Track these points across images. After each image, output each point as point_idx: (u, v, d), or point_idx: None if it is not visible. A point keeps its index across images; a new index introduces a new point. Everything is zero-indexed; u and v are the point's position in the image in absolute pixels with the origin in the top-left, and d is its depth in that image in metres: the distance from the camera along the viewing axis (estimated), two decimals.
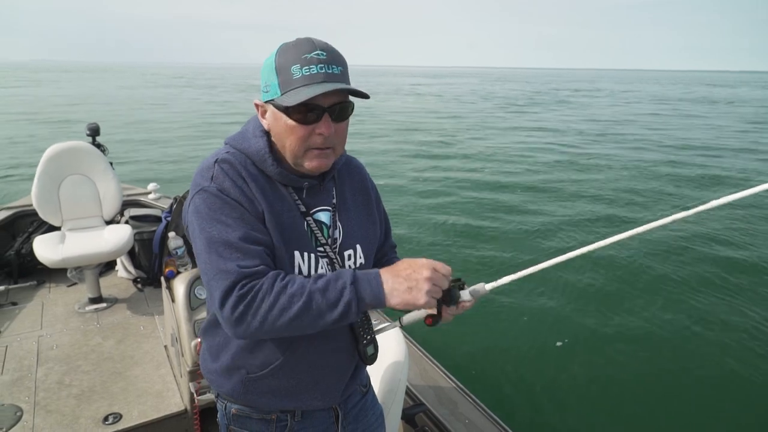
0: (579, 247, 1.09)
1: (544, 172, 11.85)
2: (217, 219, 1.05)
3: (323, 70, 1.04)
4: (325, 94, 1.03)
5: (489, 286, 1.11)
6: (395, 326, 1.26)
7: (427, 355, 2.45)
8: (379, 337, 1.66)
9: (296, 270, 1.14)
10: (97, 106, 25.96)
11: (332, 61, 1.06)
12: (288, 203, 1.16)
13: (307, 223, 1.18)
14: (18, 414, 2.34)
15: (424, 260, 1.03)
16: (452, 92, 48.22)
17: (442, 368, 2.37)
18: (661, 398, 3.75)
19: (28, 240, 3.86)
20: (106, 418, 2.32)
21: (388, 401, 1.63)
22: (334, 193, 1.25)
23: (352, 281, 1.01)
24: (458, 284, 1.11)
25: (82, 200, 3.59)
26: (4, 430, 2.24)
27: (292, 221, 1.15)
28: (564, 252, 1.09)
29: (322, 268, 1.17)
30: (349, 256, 1.24)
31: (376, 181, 1.40)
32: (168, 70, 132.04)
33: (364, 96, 1.10)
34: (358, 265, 1.25)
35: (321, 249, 1.18)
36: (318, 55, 1.05)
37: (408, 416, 2.03)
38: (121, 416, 2.33)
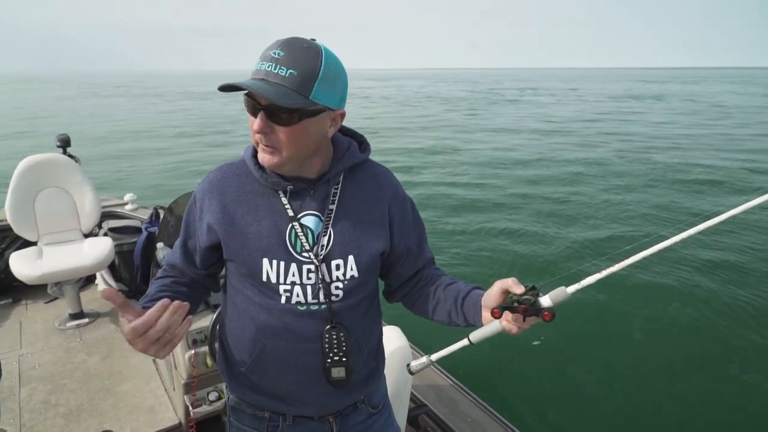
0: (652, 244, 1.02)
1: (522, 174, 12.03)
2: (186, 219, 1.28)
3: (267, 68, 1.01)
4: (254, 93, 1.01)
5: (571, 289, 1.04)
6: (464, 344, 1.20)
7: (423, 354, 2.46)
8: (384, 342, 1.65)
9: (264, 275, 1.14)
10: (43, 119, 25.09)
11: (285, 62, 1.00)
12: (275, 209, 1.16)
13: (293, 227, 1.15)
14: None
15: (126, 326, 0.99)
16: (403, 94, 48.49)
17: (440, 368, 2.38)
18: (651, 390, 3.84)
19: (2, 256, 3.72)
20: None
21: (395, 405, 1.62)
22: (333, 198, 1.19)
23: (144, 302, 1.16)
24: (534, 292, 1.04)
25: (59, 213, 3.47)
26: None
27: (265, 227, 1.15)
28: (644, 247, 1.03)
29: (294, 275, 1.14)
30: (338, 266, 1.17)
31: None
32: (104, 79, 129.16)
33: (284, 107, 1.01)
34: (348, 277, 1.18)
35: (306, 255, 1.15)
36: (274, 53, 1.01)
37: (410, 418, 2.03)
38: None
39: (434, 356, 1.24)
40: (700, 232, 1.01)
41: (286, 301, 1.16)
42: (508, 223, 8.01)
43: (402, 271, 1.33)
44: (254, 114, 1.06)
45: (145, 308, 0.99)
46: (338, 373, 1.19)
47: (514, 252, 6.79)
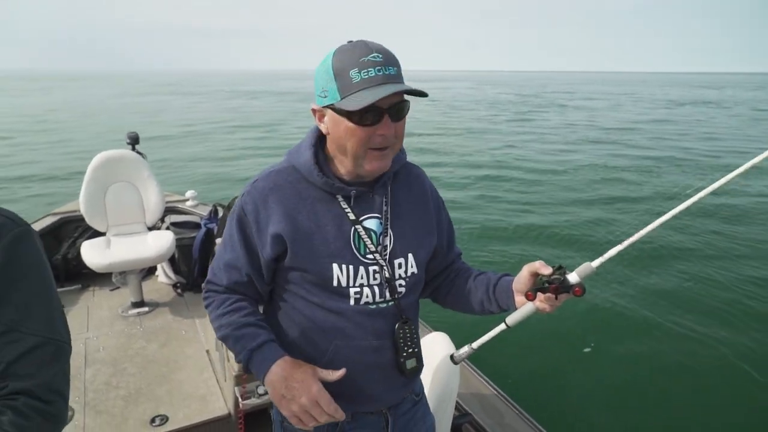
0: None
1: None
2: (228, 233, 1.25)
3: (381, 72, 1.05)
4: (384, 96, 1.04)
5: (596, 263, 1.12)
6: (502, 328, 1.29)
7: (469, 363, 2.44)
8: (427, 346, 1.66)
9: (334, 281, 1.17)
10: (96, 116, 26.37)
11: (388, 62, 1.07)
12: (335, 213, 1.18)
13: (356, 230, 1.19)
14: (70, 413, 2.40)
15: (315, 386, 1.10)
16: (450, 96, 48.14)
17: (485, 377, 2.36)
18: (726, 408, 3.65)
19: (74, 245, 3.98)
20: (152, 420, 2.37)
21: (440, 411, 1.63)
22: (386, 200, 1.25)
23: (252, 350, 1.17)
24: (561, 271, 1.13)
25: (126, 206, 3.69)
26: None
27: (332, 233, 1.17)
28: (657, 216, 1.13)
29: (362, 277, 1.18)
30: (400, 264, 1.24)
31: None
32: (154, 77, 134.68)
33: (423, 95, 1.10)
34: (409, 274, 1.25)
35: (370, 257, 1.19)
36: (374, 57, 1.06)
37: (455, 426, 2.02)
38: (167, 418, 2.38)
39: (475, 344, 1.28)
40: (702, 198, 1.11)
41: (355, 302, 1.20)
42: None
43: (435, 266, 1.38)
44: (377, 120, 1.08)
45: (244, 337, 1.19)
46: (412, 364, 1.26)
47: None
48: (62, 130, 20.00)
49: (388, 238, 1.22)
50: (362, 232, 1.19)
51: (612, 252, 1.13)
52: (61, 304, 1.00)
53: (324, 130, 1.17)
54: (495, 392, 2.25)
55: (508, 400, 2.21)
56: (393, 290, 1.22)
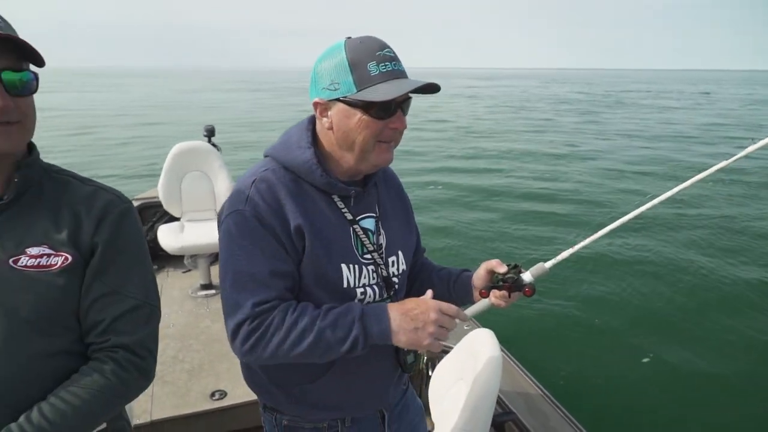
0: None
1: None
2: (244, 246, 1.08)
3: (396, 67, 1.08)
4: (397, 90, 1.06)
5: (549, 264, 1.17)
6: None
7: (516, 361, 2.42)
8: (472, 342, 1.69)
9: (344, 282, 1.15)
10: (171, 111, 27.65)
11: (397, 58, 1.09)
12: (333, 213, 1.17)
13: (354, 230, 1.19)
14: None
15: (431, 302, 1.08)
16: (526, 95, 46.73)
17: (532, 376, 2.33)
18: None
19: (152, 228, 4.28)
20: (213, 394, 2.53)
21: (479, 406, 1.64)
22: (378, 199, 1.27)
23: (360, 317, 1.07)
24: (516, 270, 1.17)
25: (199, 194, 3.94)
26: None
27: (337, 233, 1.16)
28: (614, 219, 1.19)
29: (365, 276, 1.19)
30: (393, 262, 1.26)
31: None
32: (226, 75, 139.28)
33: (438, 89, 1.11)
34: (400, 271, 1.28)
35: (368, 256, 1.20)
36: (388, 52, 1.08)
37: (497, 423, 2.03)
38: (226, 393, 2.53)
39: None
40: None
41: (359, 303, 1.17)
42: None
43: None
44: (392, 114, 1.09)
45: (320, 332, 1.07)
46: (411, 359, 1.29)
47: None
48: (141, 123, 21.34)
49: (382, 236, 1.24)
50: (360, 232, 1.19)
51: (564, 254, 1.16)
52: (154, 274, 1.13)
53: (326, 125, 1.13)
54: (541, 393, 2.23)
55: (555, 403, 2.18)
56: (390, 288, 1.24)
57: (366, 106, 1.06)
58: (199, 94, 45.21)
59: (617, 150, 15.43)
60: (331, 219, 1.16)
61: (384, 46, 1.08)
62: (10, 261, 0.94)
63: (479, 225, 7.85)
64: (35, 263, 0.95)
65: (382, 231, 1.25)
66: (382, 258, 1.23)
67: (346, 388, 1.24)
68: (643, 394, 3.78)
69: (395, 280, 1.26)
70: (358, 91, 1.05)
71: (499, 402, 2.15)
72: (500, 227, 7.84)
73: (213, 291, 3.74)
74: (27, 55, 0.94)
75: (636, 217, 1.19)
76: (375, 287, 1.22)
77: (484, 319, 2.84)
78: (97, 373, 0.98)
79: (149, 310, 1.07)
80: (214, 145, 4.21)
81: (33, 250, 0.96)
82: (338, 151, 1.14)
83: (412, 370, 1.29)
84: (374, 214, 1.25)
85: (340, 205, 1.18)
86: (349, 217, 1.19)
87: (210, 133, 4.40)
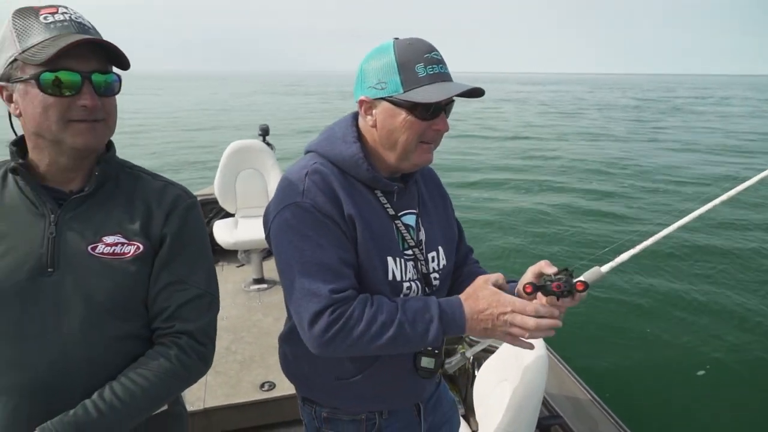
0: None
1: None
2: (309, 237, 1.08)
3: (443, 70, 1.11)
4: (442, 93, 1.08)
5: (605, 268, 1.08)
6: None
7: (563, 363, 2.37)
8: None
9: (389, 275, 1.16)
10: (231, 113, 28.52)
11: (444, 61, 1.12)
12: (376, 208, 1.18)
13: (396, 226, 1.21)
14: None
15: (506, 299, 1.06)
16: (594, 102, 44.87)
17: (581, 380, 2.27)
18: None
19: (208, 224, 4.45)
20: (262, 385, 2.61)
21: (524, 408, 1.62)
22: (419, 196, 1.29)
23: (439, 315, 1.08)
24: (567, 273, 1.06)
25: (253, 191, 4.06)
26: None
27: (383, 227, 1.18)
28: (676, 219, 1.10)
29: (409, 271, 1.20)
30: (433, 258, 1.26)
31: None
32: (277, 78, 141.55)
33: (482, 93, 1.14)
34: (441, 266, 1.27)
35: (409, 251, 1.22)
36: (435, 55, 1.10)
37: (543, 426, 1.99)
38: (274, 385, 2.61)
39: (468, 353, 1.24)
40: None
41: (404, 297, 1.20)
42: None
43: (456, 259, 1.42)
44: (436, 116, 1.11)
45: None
46: (428, 363, 1.23)
47: None
48: (202, 123, 22.25)
49: (422, 232, 1.26)
50: (402, 228, 1.21)
51: (623, 257, 1.08)
52: (214, 266, 1.19)
53: (369, 123, 1.15)
54: (591, 398, 2.16)
55: (604, 408, 2.12)
56: (429, 284, 1.25)
57: (411, 107, 1.09)
58: (249, 97, 46.59)
59: (674, 157, 14.74)
60: (377, 212, 1.18)
61: (432, 48, 1.11)
62: (89, 248, 1.02)
63: (527, 230, 7.67)
64: (111, 251, 1.03)
65: (422, 227, 1.27)
66: (422, 254, 1.24)
67: (386, 382, 1.25)
68: (698, 407, 3.61)
69: (435, 276, 1.27)
70: (404, 92, 1.08)
71: (546, 404, 2.11)
72: (552, 230, 7.65)
73: (265, 285, 3.85)
74: (113, 59, 1.01)
75: (697, 218, 1.11)
76: (417, 282, 1.22)
77: None
78: (163, 357, 1.04)
79: (210, 299, 1.13)
80: (268, 143, 4.32)
81: (109, 239, 1.04)
82: (381, 149, 1.17)
83: (429, 376, 1.24)
84: (415, 211, 1.26)
85: (383, 200, 1.20)
86: (392, 212, 1.20)
87: (264, 132, 4.52)
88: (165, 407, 1.12)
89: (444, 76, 1.10)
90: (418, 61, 1.08)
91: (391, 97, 1.10)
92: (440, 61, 1.11)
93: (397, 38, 1.12)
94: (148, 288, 1.07)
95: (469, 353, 1.16)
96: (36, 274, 0.99)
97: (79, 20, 0.99)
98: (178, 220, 1.09)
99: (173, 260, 1.08)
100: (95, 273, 1.01)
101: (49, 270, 1.00)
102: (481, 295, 1.08)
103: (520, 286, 1.15)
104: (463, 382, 2.83)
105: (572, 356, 2.66)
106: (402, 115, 1.10)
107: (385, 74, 1.10)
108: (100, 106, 0.98)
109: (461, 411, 2.45)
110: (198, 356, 1.08)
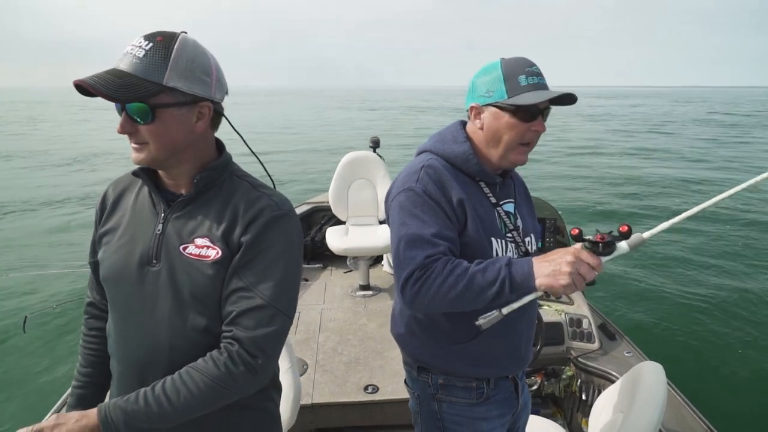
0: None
1: None
2: (416, 215, 1.26)
3: (541, 81, 1.30)
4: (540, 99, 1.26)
5: (647, 235, 1.13)
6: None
7: (685, 399, 2.20)
8: (637, 374, 1.61)
9: (494, 253, 1.33)
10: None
11: (542, 74, 1.31)
12: (481, 197, 1.38)
13: (498, 212, 1.40)
14: (305, 367, 2.89)
15: (571, 248, 1.13)
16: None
17: (705, 419, 2.10)
18: None
19: (321, 230, 4.70)
20: (366, 387, 2.70)
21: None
22: (513, 190, 1.49)
23: (507, 263, 1.17)
24: (613, 236, 1.13)
25: (364, 201, 4.23)
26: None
27: (486, 212, 1.36)
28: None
29: (510, 251, 1.38)
30: (528, 241, 1.45)
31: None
32: (358, 93, 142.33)
33: (575, 100, 1.31)
34: (534, 249, 1.46)
35: (509, 235, 1.40)
36: (536, 69, 1.30)
37: None
38: (378, 388, 2.69)
39: (504, 309, 1.18)
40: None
41: None
42: None
43: None
44: (533, 118, 1.29)
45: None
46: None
47: None
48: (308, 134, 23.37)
49: (519, 220, 1.45)
50: (503, 214, 1.40)
51: (663, 226, 1.11)
52: (298, 281, 1.20)
53: (478, 125, 1.36)
54: None
55: None
56: None
57: (514, 110, 1.28)
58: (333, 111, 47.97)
59: None
60: (482, 200, 1.38)
61: (532, 64, 1.30)
62: (181, 247, 1.13)
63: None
64: (197, 253, 1.13)
65: (518, 215, 1.47)
66: (520, 237, 1.43)
67: (498, 346, 1.40)
68: None
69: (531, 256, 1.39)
70: (508, 98, 1.28)
71: None
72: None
73: (370, 292, 3.98)
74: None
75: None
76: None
77: (654, 353, 2.62)
78: (213, 362, 1.08)
79: (273, 312, 1.09)
80: (379, 155, 4.48)
81: (199, 241, 1.13)
82: (485, 148, 1.37)
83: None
84: (513, 200, 1.47)
85: (486, 191, 1.40)
86: (494, 200, 1.40)
87: (375, 144, 4.68)
88: (247, 403, 1.18)
89: (542, 85, 1.28)
90: (521, 73, 1.28)
91: (497, 102, 1.30)
92: (539, 74, 1.30)
93: (503, 58, 1.32)
94: (222, 291, 1.12)
95: (506, 310, 1.17)
96: (144, 263, 1.14)
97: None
98: (256, 230, 1.11)
99: (244, 267, 1.10)
100: (182, 270, 1.11)
101: (153, 261, 1.13)
102: (549, 254, 1.17)
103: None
104: (568, 405, 2.72)
105: (695, 390, 2.46)
106: (506, 117, 1.29)
107: (492, 84, 1.30)
108: (131, 131, 1.07)
109: None
110: (246, 367, 1.07)
